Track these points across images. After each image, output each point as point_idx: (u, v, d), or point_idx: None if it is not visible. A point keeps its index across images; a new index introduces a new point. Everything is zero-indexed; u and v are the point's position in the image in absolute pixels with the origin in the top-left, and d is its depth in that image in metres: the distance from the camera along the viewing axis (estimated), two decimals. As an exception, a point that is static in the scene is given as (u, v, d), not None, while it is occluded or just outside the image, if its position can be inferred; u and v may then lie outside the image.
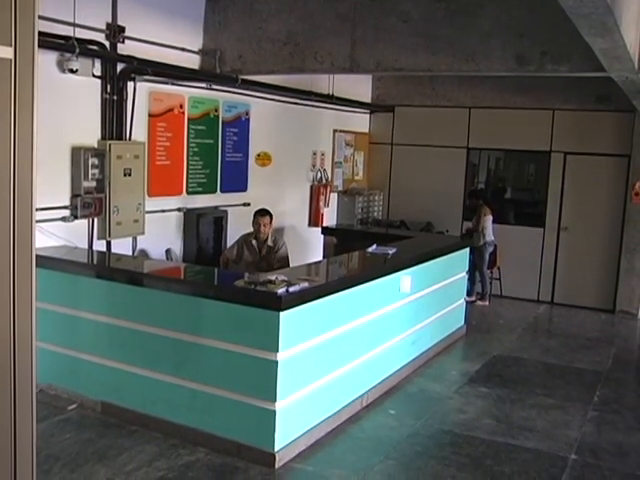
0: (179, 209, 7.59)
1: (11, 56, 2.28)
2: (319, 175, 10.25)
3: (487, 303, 10.11)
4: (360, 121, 11.30)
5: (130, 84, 6.67)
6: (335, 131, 10.61)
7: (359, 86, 10.81)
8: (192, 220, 7.66)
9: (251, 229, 7.25)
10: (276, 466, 4.69)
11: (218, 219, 7.99)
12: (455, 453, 5.13)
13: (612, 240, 10.07)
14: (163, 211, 7.33)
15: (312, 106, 9.65)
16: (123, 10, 6.48)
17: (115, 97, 6.51)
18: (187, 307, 5.01)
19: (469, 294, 9.51)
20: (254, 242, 7.20)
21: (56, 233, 5.97)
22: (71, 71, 5.91)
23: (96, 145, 6.41)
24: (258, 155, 8.84)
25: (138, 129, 6.84)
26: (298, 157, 9.79)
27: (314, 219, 10.14)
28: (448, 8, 6.43)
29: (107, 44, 6.39)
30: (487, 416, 5.88)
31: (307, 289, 4.86)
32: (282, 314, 4.58)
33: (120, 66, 6.53)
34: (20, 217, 2.40)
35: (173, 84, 7.30)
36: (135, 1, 6.63)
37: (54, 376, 5.57)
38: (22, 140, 2.36)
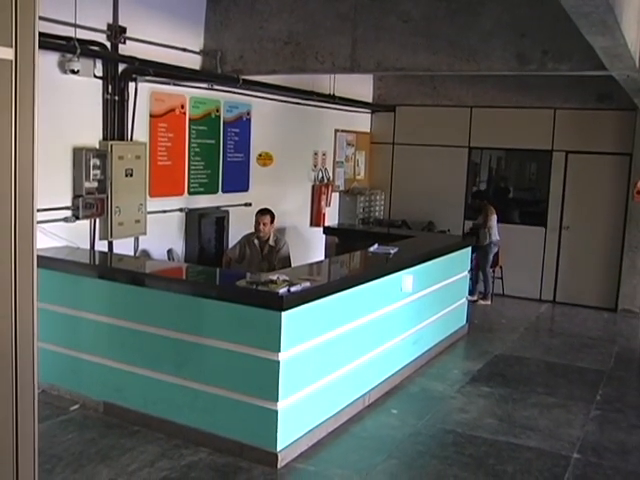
0: (181, 209, 7.60)
1: (12, 57, 2.28)
2: (320, 175, 10.25)
3: (489, 302, 10.10)
4: (361, 121, 11.30)
5: (131, 84, 6.68)
6: (336, 131, 10.62)
7: (360, 86, 10.81)
8: (194, 220, 7.67)
9: (253, 229, 7.25)
10: (278, 466, 4.69)
11: (220, 219, 7.99)
12: (457, 452, 5.13)
13: (614, 239, 10.06)
14: (165, 211, 7.33)
15: (313, 106, 9.65)
16: (124, 11, 6.48)
17: (116, 98, 6.51)
18: (189, 307, 5.01)
19: (471, 293, 9.51)
20: (256, 242, 7.20)
21: (58, 234, 5.98)
22: (72, 72, 5.92)
23: (98, 146, 6.42)
24: (259, 155, 8.84)
25: (139, 129, 6.85)
26: (299, 157, 9.79)
27: (316, 219, 10.14)
28: (449, 7, 6.43)
29: (108, 45, 6.39)
30: (489, 415, 5.88)
31: (309, 289, 4.86)
32: (284, 314, 4.58)
33: (121, 67, 6.53)
34: (21, 218, 2.41)
35: (174, 84, 7.30)
36: (136, 2, 6.64)
37: (57, 377, 5.58)
38: (23, 141, 2.36)
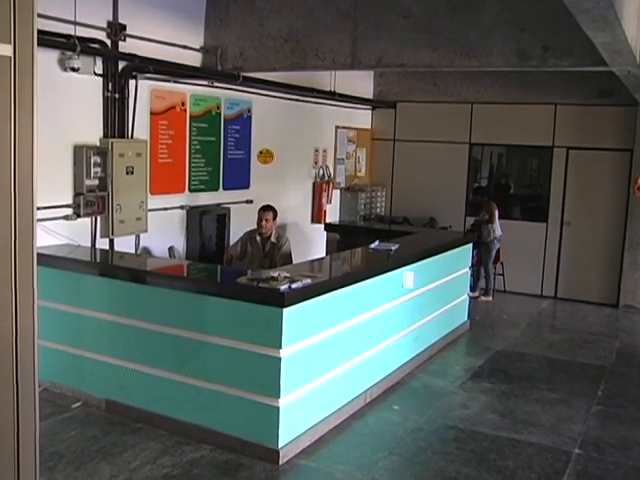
0: (182, 207, 7.60)
1: (10, 53, 2.28)
2: (321, 172, 10.24)
3: (490, 298, 10.10)
4: (362, 117, 11.29)
5: (132, 82, 6.68)
6: (337, 127, 10.61)
7: (361, 82, 10.80)
8: (195, 218, 7.67)
9: (254, 226, 7.26)
10: (280, 462, 4.70)
11: (221, 216, 8.00)
12: (459, 448, 5.14)
13: (615, 234, 10.06)
14: (166, 209, 7.34)
15: (314, 103, 9.65)
16: (124, 8, 6.48)
17: (117, 95, 6.51)
18: (190, 304, 5.01)
19: (472, 290, 9.51)
20: (258, 239, 7.21)
21: (59, 232, 5.98)
22: (73, 69, 5.92)
23: (98, 143, 6.42)
24: (260, 152, 8.84)
25: (140, 127, 6.85)
26: (300, 154, 9.79)
27: (317, 216, 10.14)
28: (449, 4, 6.43)
29: (108, 42, 6.39)
30: (491, 411, 5.88)
31: (310, 285, 4.86)
32: (285, 310, 4.58)
33: (122, 64, 6.53)
34: (21, 215, 2.41)
35: (175, 82, 7.31)
36: (136, -1, 6.64)
37: (58, 374, 5.59)
38: (22, 138, 2.36)
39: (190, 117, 7.62)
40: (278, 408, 4.67)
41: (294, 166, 9.65)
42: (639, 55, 5.61)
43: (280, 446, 4.72)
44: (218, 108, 8.06)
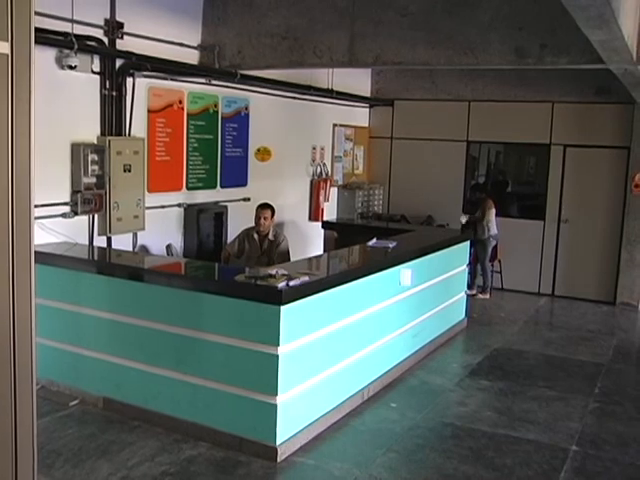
0: (179, 205, 7.60)
1: (8, 51, 2.27)
2: (319, 169, 10.24)
3: (488, 296, 10.12)
4: (360, 115, 11.29)
5: (129, 80, 6.67)
6: (335, 125, 10.61)
7: (358, 80, 10.80)
8: (192, 215, 7.67)
9: (252, 224, 7.26)
10: (278, 460, 4.70)
11: (218, 214, 8.00)
12: (456, 445, 5.14)
13: (612, 232, 10.08)
14: (163, 207, 7.34)
15: (311, 100, 9.64)
16: (121, 6, 6.47)
17: (114, 93, 6.51)
18: (188, 302, 5.01)
19: (470, 287, 9.52)
20: (256, 236, 7.21)
21: (56, 229, 5.98)
22: (70, 67, 5.91)
23: (96, 141, 6.42)
24: (258, 150, 8.83)
25: (137, 125, 6.84)
26: (298, 152, 9.79)
27: (314, 213, 10.14)
28: (447, 1, 6.43)
29: (106, 40, 6.39)
30: (488, 408, 5.89)
31: (308, 283, 4.86)
32: (283, 308, 4.59)
33: (119, 62, 6.53)
34: (19, 213, 2.40)
35: (172, 80, 7.30)
36: (133, -3, 6.63)
37: (56, 372, 5.59)
38: (19, 135, 2.36)
39: (188, 115, 7.62)
40: (276, 405, 4.67)
41: (292, 164, 9.65)
42: (636, 53, 5.62)
43: (278, 443, 4.72)
44: (216, 106, 8.05)
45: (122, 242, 6.76)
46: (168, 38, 7.03)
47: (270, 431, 4.70)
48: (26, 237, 2.45)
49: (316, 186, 10.12)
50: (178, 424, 5.04)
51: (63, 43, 5.82)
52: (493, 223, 9.89)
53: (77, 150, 6.15)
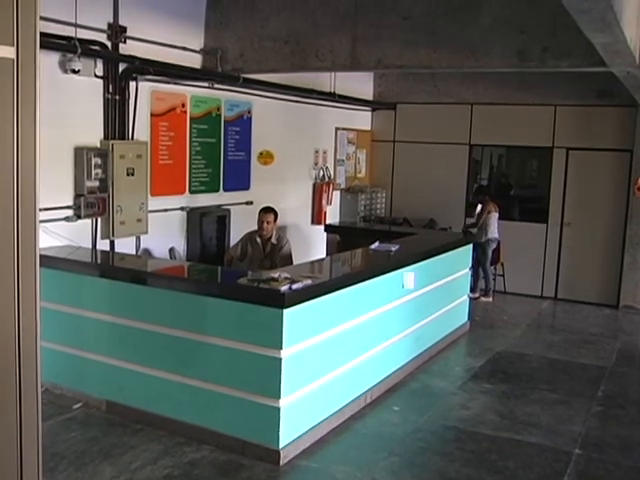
0: (182, 208, 7.61)
1: (13, 55, 2.29)
2: (321, 173, 10.25)
3: (490, 299, 10.11)
4: (362, 119, 11.30)
5: (132, 84, 6.69)
6: (337, 129, 10.62)
7: (361, 84, 10.81)
8: (195, 219, 7.68)
9: (255, 227, 7.27)
10: (281, 463, 4.71)
11: (221, 218, 8.01)
12: (459, 449, 5.14)
13: (615, 235, 10.07)
14: (166, 210, 7.35)
15: (314, 104, 9.65)
16: (124, 10, 6.49)
17: (117, 97, 6.52)
18: (191, 305, 5.02)
19: (472, 290, 9.52)
20: (258, 240, 7.22)
21: (60, 233, 5.99)
22: (73, 71, 5.93)
23: (99, 145, 6.43)
24: (260, 154, 8.85)
25: (140, 129, 6.86)
26: (300, 155, 9.80)
27: (317, 217, 10.15)
28: (449, 4, 6.43)
29: (109, 44, 6.41)
30: (491, 412, 5.89)
31: (310, 286, 4.87)
32: (285, 311, 4.59)
33: (122, 66, 6.54)
34: (24, 217, 2.41)
35: (175, 83, 7.32)
36: (136, 1, 6.64)
37: (59, 375, 5.60)
38: (25, 139, 2.37)
39: (190, 119, 7.63)
40: (279, 409, 4.67)
41: (294, 167, 9.66)
42: (638, 56, 5.62)
43: (281, 447, 4.72)
44: (218, 110, 8.07)
45: (125, 245, 6.77)
46: (171, 42, 7.05)
47: (273, 434, 4.71)
48: (31, 241, 2.46)
49: (319, 189, 10.13)
50: (181, 427, 5.04)
51: (66, 47, 5.84)
52: (493, 226, 9.89)
53: (80, 154, 6.17)
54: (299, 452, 4.88)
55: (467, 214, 10.67)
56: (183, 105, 7.50)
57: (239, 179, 8.52)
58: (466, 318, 8.45)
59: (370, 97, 11.28)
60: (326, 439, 5.16)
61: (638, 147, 9.71)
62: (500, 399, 6.21)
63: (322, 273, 6.02)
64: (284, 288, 4.65)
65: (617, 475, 4.88)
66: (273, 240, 7.20)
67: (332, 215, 10.49)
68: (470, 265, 8.56)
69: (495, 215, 9.91)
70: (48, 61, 5.77)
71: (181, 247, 7.65)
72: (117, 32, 6.45)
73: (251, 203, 8.43)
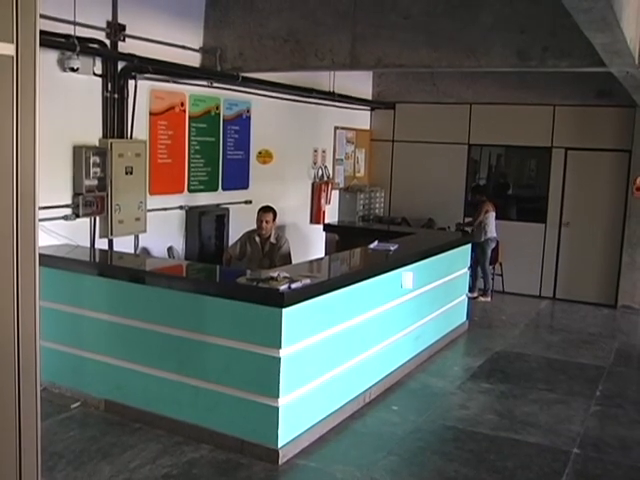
0: (181, 207, 7.60)
1: (13, 53, 2.28)
2: (320, 172, 10.25)
3: (489, 299, 10.12)
4: (361, 118, 11.30)
5: (131, 82, 6.68)
6: (336, 128, 10.61)
7: (360, 83, 10.81)
8: (194, 218, 7.67)
9: (253, 226, 7.26)
10: (280, 462, 4.70)
11: (220, 217, 8.00)
12: (458, 448, 5.14)
13: (613, 235, 10.07)
14: (165, 209, 7.34)
15: (313, 103, 9.65)
16: (123, 8, 6.48)
17: (116, 95, 6.51)
18: (189, 304, 5.01)
19: (471, 290, 9.52)
20: (257, 239, 7.21)
21: (58, 232, 5.98)
22: (72, 70, 5.92)
23: (97, 143, 6.42)
24: (259, 153, 8.84)
25: (139, 127, 6.85)
26: (299, 154, 9.79)
27: (316, 216, 10.14)
28: (448, 4, 6.43)
29: (108, 42, 6.39)
30: (490, 411, 5.89)
31: (309, 286, 4.86)
32: (284, 311, 4.59)
33: (121, 64, 6.53)
34: (23, 215, 2.41)
35: (174, 82, 7.31)
36: (135, -1, 6.64)
37: (57, 374, 5.59)
38: (24, 137, 2.36)
39: (189, 117, 7.62)
40: (277, 408, 4.67)
41: (293, 167, 9.66)
42: (638, 56, 5.62)
43: (280, 446, 4.72)
44: (217, 108, 8.06)
45: (123, 244, 6.76)
46: (170, 40, 7.04)
47: (272, 434, 4.70)
48: (30, 240, 2.46)
49: (317, 189, 10.12)
50: (180, 426, 5.03)
51: (65, 45, 5.82)
52: (491, 226, 9.90)
53: (79, 152, 6.16)
54: (298, 451, 4.88)
55: (466, 214, 10.64)
56: (182, 104, 7.49)
57: (238, 178, 8.51)
58: (465, 318, 8.45)
59: (369, 96, 11.28)
60: (325, 438, 5.16)
61: (637, 147, 9.71)
62: (499, 399, 6.21)
63: (321, 272, 6.02)
64: (283, 287, 4.64)
65: (615, 474, 4.88)
66: (272, 239, 7.20)
67: (331, 214, 10.48)
68: (469, 265, 8.56)
69: (492, 215, 9.92)
70: (47, 59, 5.76)
71: (180, 246, 7.64)
72: (116, 30, 6.44)
73: (250, 202, 8.42)
